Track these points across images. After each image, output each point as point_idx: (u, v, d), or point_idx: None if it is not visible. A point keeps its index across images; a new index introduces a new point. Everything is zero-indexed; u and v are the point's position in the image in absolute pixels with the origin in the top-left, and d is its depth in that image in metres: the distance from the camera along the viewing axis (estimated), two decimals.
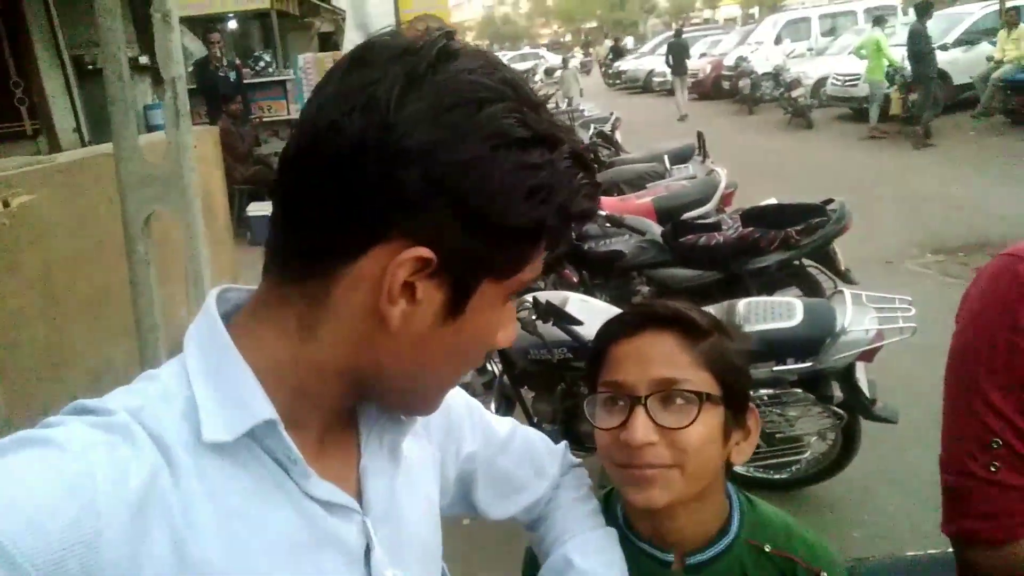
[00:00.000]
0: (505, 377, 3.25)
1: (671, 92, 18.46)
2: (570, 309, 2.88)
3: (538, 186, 0.59)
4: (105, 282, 4.02)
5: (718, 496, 0.98)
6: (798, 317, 2.81)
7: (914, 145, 10.98)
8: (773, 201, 4.46)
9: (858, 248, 4.83)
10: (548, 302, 2.80)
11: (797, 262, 4.05)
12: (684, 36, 18.77)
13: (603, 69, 31.17)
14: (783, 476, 3.14)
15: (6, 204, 3.44)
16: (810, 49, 18.39)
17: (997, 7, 12.61)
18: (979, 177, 8.76)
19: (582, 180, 0.62)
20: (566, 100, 12.65)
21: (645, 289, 4.34)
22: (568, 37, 72.41)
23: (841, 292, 2.92)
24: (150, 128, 7.56)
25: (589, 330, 2.87)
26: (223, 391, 0.60)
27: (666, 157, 6.46)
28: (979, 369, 1.01)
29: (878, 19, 12.60)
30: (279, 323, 0.63)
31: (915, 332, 2.69)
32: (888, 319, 2.75)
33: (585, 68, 35.58)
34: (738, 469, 2.86)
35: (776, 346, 2.79)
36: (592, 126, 8.08)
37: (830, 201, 4.07)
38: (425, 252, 0.58)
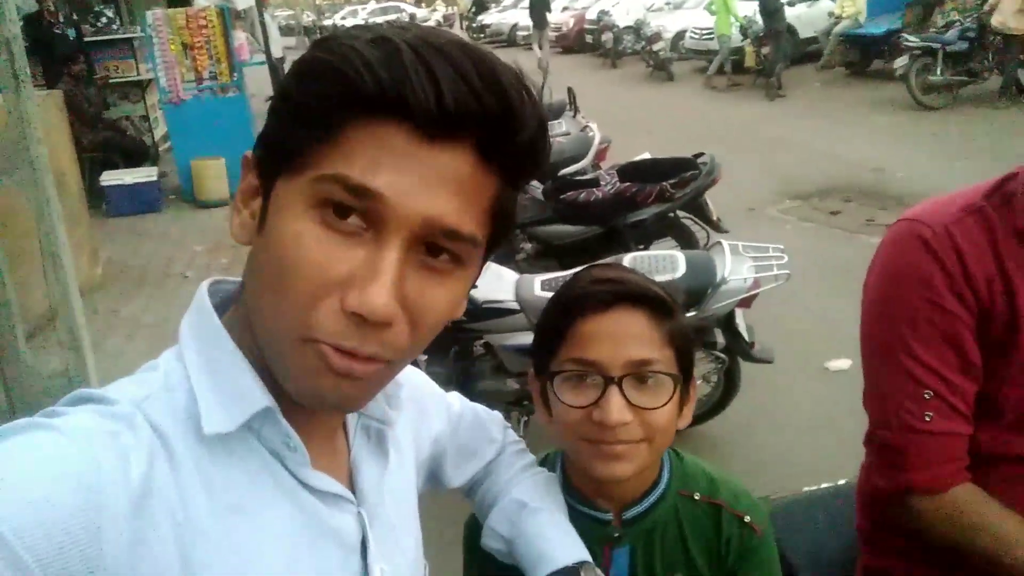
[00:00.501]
0: None
1: (541, 47, 18.19)
2: (491, 291, 2.88)
3: (324, 61, 0.54)
4: None
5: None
6: (681, 269, 2.93)
7: (768, 96, 11.60)
8: (647, 156, 4.59)
9: (723, 197, 5.06)
10: None
11: (672, 214, 4.22)
12: None
13: (465, 23, 30.82)
14: None
15: None
16: (668, 3, 18.88)
17: None
18: (826, 125, 9.38)
19: (400, 49, 0.53)
20: None
21: (528, 246, 4.40)
22: None
23: (720, 243, 3.05)
24: None
25: (481, 292, 2.88)
26: (220, 383, 0.60)
27: None
28: (903, 330, 1.09)
29: None
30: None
31: (789, 278, 2.86)
32: (764, 267, 2.91)
33: (448, 22, 35.09)
34: None
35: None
36: None
37: (701, 154, 4.24)
38: (248, 153, 0.61)
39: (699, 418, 3.30)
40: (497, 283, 2.95)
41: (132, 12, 9.76)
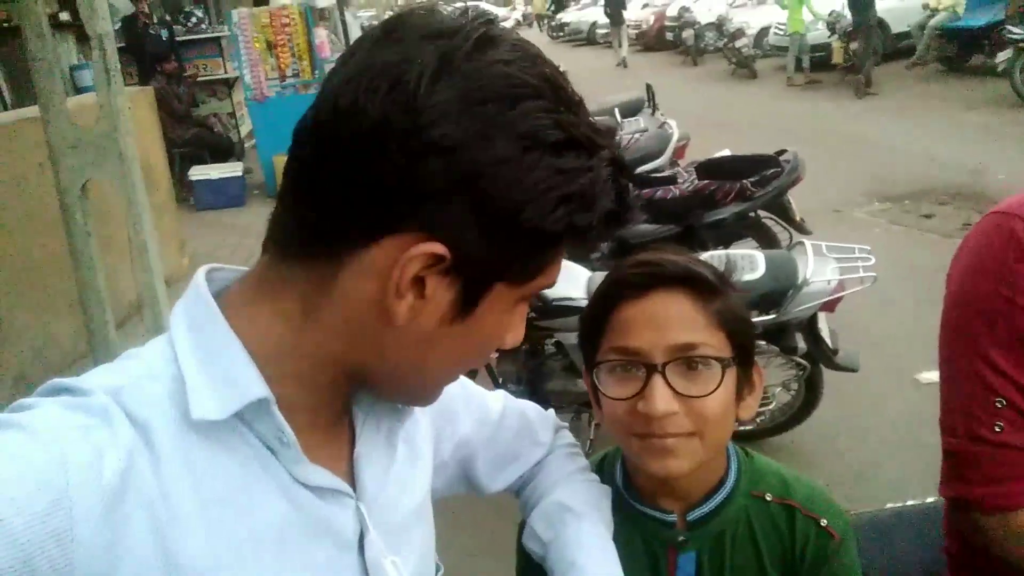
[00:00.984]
0: None
1: (620, 44, 18.50)
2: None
3: (573, 193, 0.55)
4: (42, 254, 3.83)
5: (723, 452, 0.96)
6: (761, 270, 2.81)
7: (856, 94, 11.14)
8: (727, 153, 4.46)
9: (808, 198, 4.88)
10: None
11: (752, 214, 4.08)
12: None
13: (544, 21, 30.77)
14: (748, 427, 3.17)
15: None
16: None
17: None
18: (920, 124, 8.94)
19: (622, 187, 0.59)
20: None
21: (604, 245, 4.32)
22: None
23: (802, 243, 2.93)
24: (79, 90, 7.19)
25: (553, 290, 2.82)
26: (214, 369, 0.57)
27: (616, 110, 6.40)
28: (978, 329, 1.00)
29: None
30: (278, 303, 0.60)
31: (875, 281, 2.72)
32: (849, 269, 2.77)
33: (527, 20, 35.13)
34: None
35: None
36: None
37: (783, 152, 4.09)
38: (439, 248, 0.54)
39: (778, 427, 3.18)
40: (569, 280, 2.90)
41: (220, 12, 10.09)
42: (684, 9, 17.75)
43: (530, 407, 1.01)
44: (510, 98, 0.53)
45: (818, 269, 2.76)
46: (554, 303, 2.83)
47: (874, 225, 5.91)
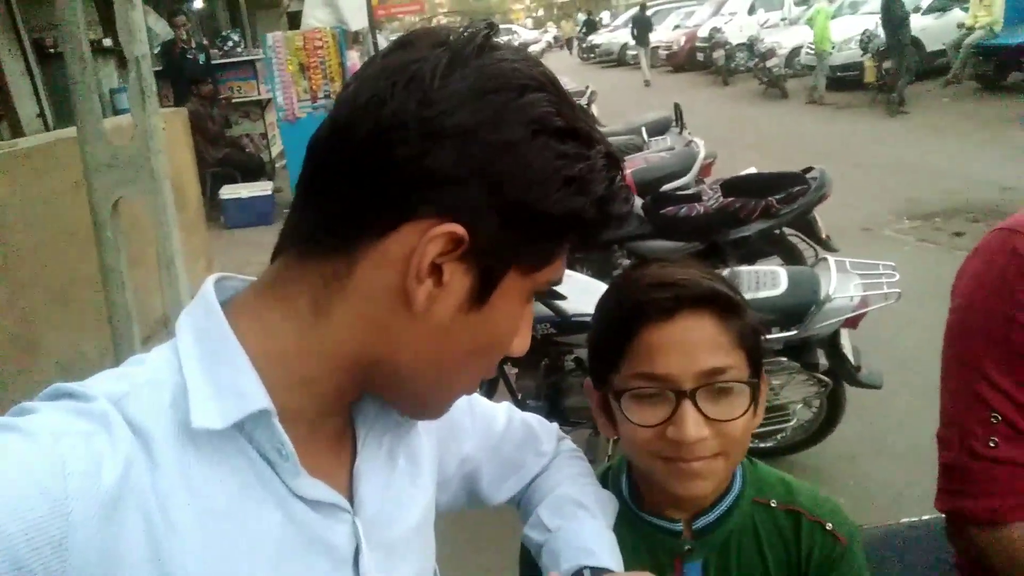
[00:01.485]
0: None
1: (649, 65, 19.17)
2: (561, 288, 2.83)
3: (574, 177, 0.58)
4: (75, 271, 3.92)
5: None
6: (783, 285, 2.79)
7: (889, 112, 11.03)
8: (753, 170, 4.43)
9: (836, 216, 4.83)
10: None
11: (778, 231, 4.04)
12: (648, 10, 20.27)
13: (575, 43, 30.94)
14: (768, 444, 3.13)
15: None
16: (784, 19, 18.38)
17: None
18: (954, 143, 8.80)
19: (618, 182, 0.62)
20: None
21: (626, 262, 4.31)
22: (541, 12, 71.87)
23: (825, 259, 2.90)
24: (117, 112, 7.39)
25: (572, 305, 2.83)
26: (217, 378, 0.57)
27: (643, 129, 6.41)
28: (977, 344, 1.00)
29: None
30: (290, 304, 0.60)
31: (899, 298, 2.67)
32: (872, 285, 2.73)
33: (559, 43, 35.35)
34: None
35: (761, 315, 2.75)
36: None
37: (810, 169, 4.05)
38: (459, 229, 0.56)
39: (800, 444, 3.13)
40: (588, 296, 2.89)
41: (255, 35, 10.31)
42: (715, 30, 17.78)
43: (533, 418, 1.01)
44: (518, 88, 0.57)
45: (841, 285, 2.72)
46: (573, 319, 2.83)
47: (904, 243, 5.82)
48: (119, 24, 3.02)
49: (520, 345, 0.67)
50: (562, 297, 2.79)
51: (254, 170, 8.72)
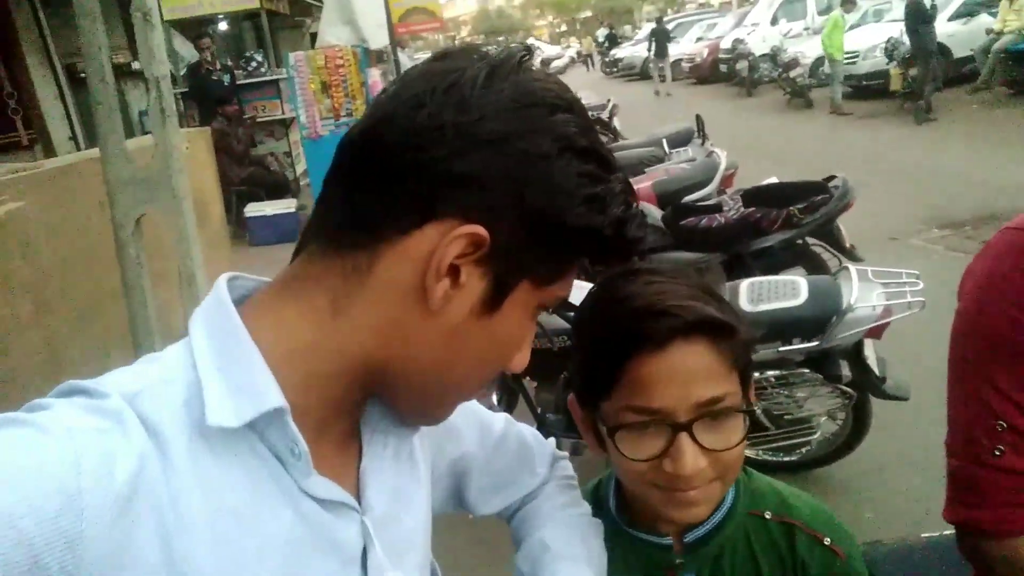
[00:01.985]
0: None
1: (663, 78, 19.63)
2: (571, 297, 2.81)
3: (594, 195, 0.61)
4: (99, 288, 3.98)
5: None
6: (803, 296, 2.74)
7: (916, 120, 10.87)
8: (774, 180, 4.38)
9: (863, 225, 4.76)
10: None
11: (801, 241, 3.99)
12: (670, 23, 21.32)
13: (599, 58, 31.01)
14: (793, 458, 3.07)
15: None
16: (807, 28, 18.23)
17: None
18: (983, 150, 8.65)
19: (633, 208, 0.65)
20: None
21: None
22: (563, 28, 72.21)
23: (847, 268, 2.85)
24: (146, 133, 7.53)
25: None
26: (232, 376, 0.57)
27: (665, 141, 6.39)
28: (983, 348, 0.97)
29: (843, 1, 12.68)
30: (308, 300, 0.61)
31: (924, 307, 2.61)
32: (895, 294, 2.67)
33: (581, 58, 35.42)
34: (747, 453, 2.79)
35: (782, 326, 2.72)
36: (590, 114, 7.99)
37: (832, 178, 4.00)
38: (481, 231, 0.58)
39: (825, 458, 3.07)
40: None
41: (279, 56, 10.47)
42: (738, 41, 17.74)
43: (532, 434, 0.99)
44: (549, 106, 0.60)
45: (863, 295, 2.67)
46: None
47: (932, 252, 5.72)
48: (139, 46, 3.07)
49: (520, 361, 0.68)
50: None
51: (278, 188, 8.82)
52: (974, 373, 0.97)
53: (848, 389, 2.83)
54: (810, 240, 4.03)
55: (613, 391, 0.83)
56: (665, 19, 23.41)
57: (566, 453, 1.03)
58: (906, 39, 11.29)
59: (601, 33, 32.99)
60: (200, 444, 0.56)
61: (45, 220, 3.73)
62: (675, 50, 22.34)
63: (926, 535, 1.38)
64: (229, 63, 9.79)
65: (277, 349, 0.59)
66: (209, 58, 9.07)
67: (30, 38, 6.92)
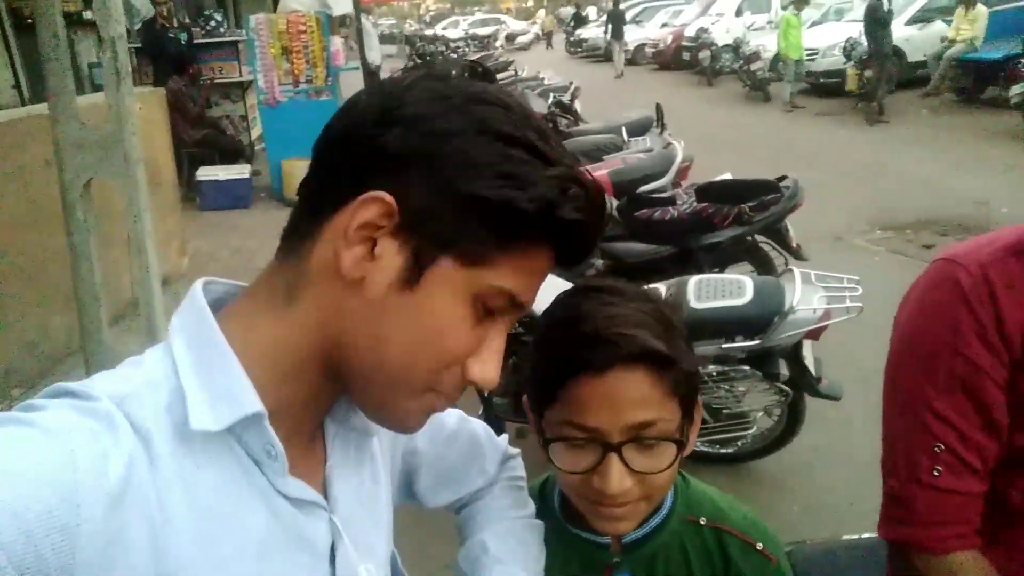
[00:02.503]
0: None
1: (631, 61, 20.19)
2: (543, 294, 2.85)
3: (512, 174, 0.60)
4: (42, 248, 3.88)
5: None
6: (748, 295, 2.83)
7: (868, 121, 11.15)
8: (728, 177, 4.47)
9: (810, 222, 4.88)
10: None
11: (750, 238, 4.09)
12: (629, 8, 21.76)
13: (564, 37, 30.89)
14: (729, 451, 3.18)
15: None
16: (770, 22, 18.45)
17: None
18: (930, 155, 8.93)
19: (573, 193, 0.62)
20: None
21: (599, 262, 4.34)
22: (531, 2, 71.59)
23: (791, 271, 2.94)
24: (96, 87, 7.28)
25: (541, 305, 2.84)
26: (211, 382, 0.60)
27: (624, 129, 6.44)
28: (921, 375, 1.02)
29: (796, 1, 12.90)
30: (269, 299, 0.65)
31: (861, 312, 2.72)
32: (835, 298, 2.77)
33: (541, 38, 35.19)
34: None
35: (726, 324, 2.81)
36: (551, 95, 8.00)
37: (784, 178, 4.10)
38: (387, 197, 0.59)
39: (760, 452, 3.19)
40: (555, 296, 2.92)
41: (239, 15, 10.20)
42: (702, 30, 17.86)
43: (484, 429, 1.02)
44: (477, 99, 0.62)
45: (805, 297, 2.77)
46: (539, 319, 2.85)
47: (874, 253, 5.91)
48: (95, 3, 2.98)
49: (481, 371, 0.65)
50: None
51: (232, 152, 8.64)
52: (912, 397, 1.02)
53: (785, 387, 2.94)
54: (759, 237, 4.14)
55: (555, 404, 0.87)
56: (631, 3, 23.46)
57: (518, 451, 1.06)
58: (864, 40, 11.53)
59: (567, 12, 32.82)
60: (182, 447, 0.58)
61: None
62: (640, 35, 22.42)
63: (847, 537, 1.46)
64: (187, 20, 9.51)
65: (250, 352, 0.62)
66: (165, 14, 8.79)
67: None
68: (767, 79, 14.13)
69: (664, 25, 22.39)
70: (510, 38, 32.74)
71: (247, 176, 7.87)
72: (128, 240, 3.26)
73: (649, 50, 21.13)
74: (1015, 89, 9.29)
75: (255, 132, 10.02)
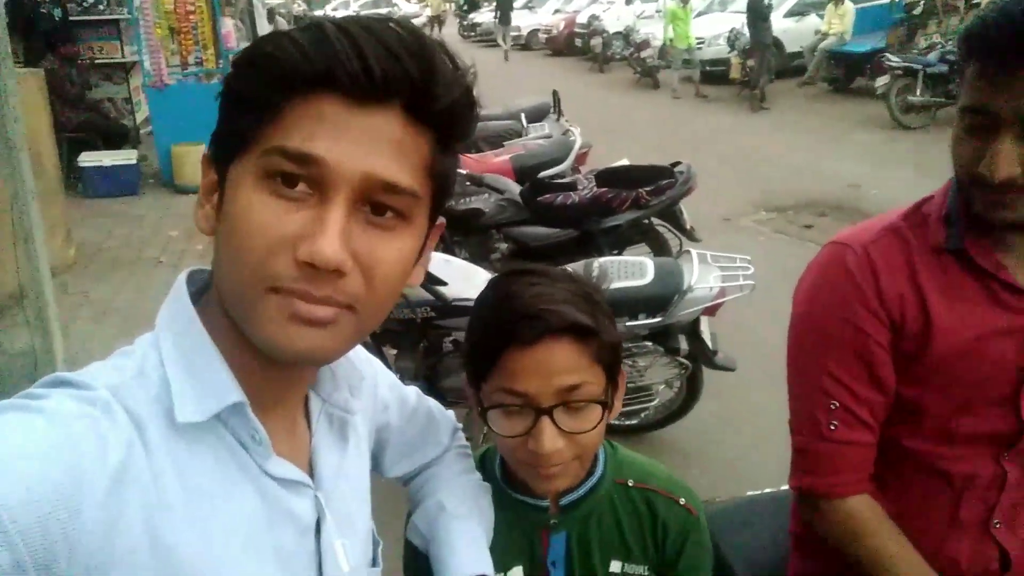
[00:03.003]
0: (367, 336, 3.25)
1: (525, 46, 20.67)
2: (433, 269, 2.91)
3: (260, 51, 0.61)
4: None
5: None
6: (649, 276, 2.98)
7: (751, 108, 11.73)
8: (625, 162, 4.64)
9: (701, 205, 5.13)
10: None
11: (647, 221, 4.27)
12: None
13: (457, 21, 30.77)
14: (633, 422, 3.35)
15: None
16: (659, 11, 18.95)
17: None
18: (807, 140, 9.50)
19: (320, 31, 0.60)
20: None
21: (504, 246, 4.43)
22: None
23: (688, 252, 3.11)
24: None
25: (452, 290, 2.92)
26: (194, 375, 0.64)
27: (523, 115, 6.54)
28: (817, 344, 1.18)
29: None
30: None
31: (753, 289, 2.92)
32: (730, 277, 2.97)
33: (440, 20, 34.93)
34: None
35: (629, 303, 2.95)
36: None
37: (678, 163, 4.30)
38: (204, 148, 0.66)
39: (661, 422, 3.38)
40: (468, 282, 2.98)
41: None
42: (593, 17, 18.19)
43: (436, 408, 1.10)
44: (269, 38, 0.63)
45: (702, 276, 2.95)
46: (453, 303, 2.91)
47: (760, 233, 6.27)
48: None
49: (310, 246, 0.58)
50: (443, 283, 2.87)
51: (117, 136, 8.21)
52: (811, 364, 1.18)
53: (685, 361, 3.13)
54: (655, 220, 4.33)
55: (491, 376, 0.96)
56: None
57: (460, 424, 1.15)
58: (747, 31, 12.08)
59: None
60: (173, 434, 0.62)
61: None
62: (532, 20, 22.61)
63: (751, 493, 1.61)
64: None
65: (227, 340, 0.66)
66: None
67: None
68: (656, 67, 14.57)
69: (557, 11, 22.65)
70: None
71: (134, 162, 7.49)
72: (12, 231, 3.11)
73: (542, 35, 21.38)
74: (880, 81, 9.96)
75: (141, 115, 9.53)
